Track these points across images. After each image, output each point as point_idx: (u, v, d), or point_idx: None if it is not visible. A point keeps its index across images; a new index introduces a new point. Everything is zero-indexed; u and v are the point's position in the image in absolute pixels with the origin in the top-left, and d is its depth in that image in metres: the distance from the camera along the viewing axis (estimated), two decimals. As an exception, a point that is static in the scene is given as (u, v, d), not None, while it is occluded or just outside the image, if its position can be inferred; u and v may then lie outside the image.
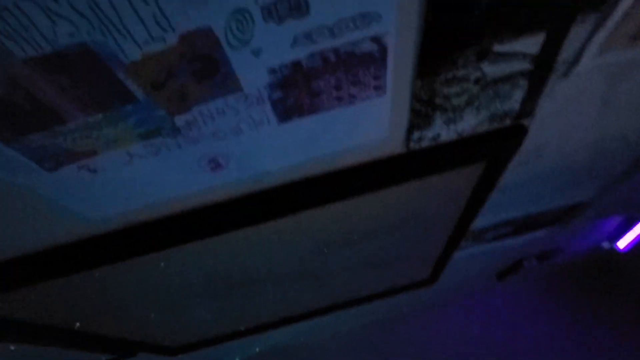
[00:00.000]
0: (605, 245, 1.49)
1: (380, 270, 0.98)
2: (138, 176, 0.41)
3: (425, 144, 0.49)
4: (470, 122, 0.48)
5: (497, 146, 0.52)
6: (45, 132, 0.32)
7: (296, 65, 0.32)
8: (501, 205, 0.79)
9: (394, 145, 0.48)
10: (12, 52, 0.25)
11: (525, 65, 0.40)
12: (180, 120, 0.35)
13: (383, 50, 0.33)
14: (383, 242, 0.79)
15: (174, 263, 0.61)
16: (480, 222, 0.86)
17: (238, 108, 0.35)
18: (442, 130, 0.48)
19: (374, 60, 0.34)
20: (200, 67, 0.30)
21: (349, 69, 0.34)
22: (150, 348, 0.98)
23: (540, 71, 0.42)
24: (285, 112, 0.38)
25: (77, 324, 0.77)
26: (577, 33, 0.37)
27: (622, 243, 1.38)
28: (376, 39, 0.32)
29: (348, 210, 0.61)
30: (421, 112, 0.43)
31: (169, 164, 0.41)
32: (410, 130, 0.46)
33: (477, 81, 0.41)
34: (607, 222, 1.34)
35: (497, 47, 0.37)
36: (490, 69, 0.40)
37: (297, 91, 0.35)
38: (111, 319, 0.79)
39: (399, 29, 0.32)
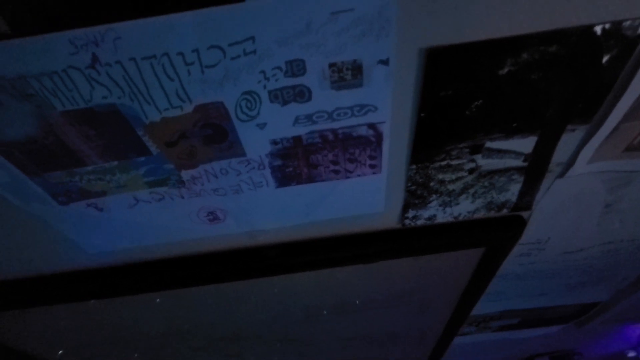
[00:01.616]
0: (631, 354, 1.34)
1: (373, 348, 0.92)
2: (140, 219, 0.43)
3: (420, 222, 0.50)
4: (466, 208, 0.48)
5: (494, 235, 0.52)
6: (65, 171, 0.35)
7: (297, 139, 0.35)
8: (505, 293, 0.75)
9: (389, 220, 0.49)
10: (54, 106, 0.29)
11: (519, 163, 0.42)
12: (186, 174, 0.38)
13: (378, 135, 0.36)
14: (376, 317, 0.75)
15: (162, 305, 0.61)
16: (482, 308, 0.81)
17: (240, 170, 0.38)
18: (438, 212, 0.48)
19: (369, 142, 0.37)
20: (211, 133, 0.34)
21: (346, 148, 0.37)
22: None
23: (535, 169, 0.43)
24: (284, 178, 0.40)
25: (60, 352, 0.75)
26: (568, 140, 0.39)
27: (650, 355, 1.24)
28: (372, 126, 0.35)
29: (341, 278, 0.61)
30: (416, 193, 0.45)
31: (171, 211, 0.43)
32: (405, 209, 0.47)
33: (471, 171, 0.43)
34: (632, 329, 1.22)
35: (490, 144, 0.39)
36: (484, 162, 0.41)
37: (296, 161, 0.38)
38: (92, 354, 0.76)
39: (394, 120, 0.35)
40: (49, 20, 0.25)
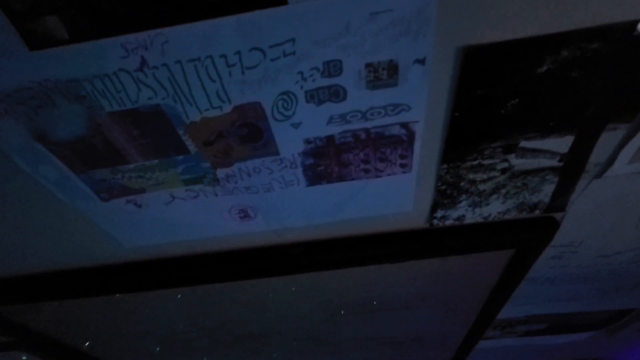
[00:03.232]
0: (666, 365, 1.27)
1: (397, 350, 0.91)
2: (175, 216, 0.45)
3: (449, 223, 0.49)
4: (497, 209, 0.47)
5: (525, 236, 0.51)
6: (109, 169, 0.37)
7: (329, 138, 0.36)
8: (533, 297, 0.73)
9: (417, 220, 0.49)
10: (103, 107, 0.31)
11: (554, 163, 0.41)
12: (221, 172, 0.39)
13: (410, 134, 0.36)
14: (400, 318, 0.75)
15: (188, 301, 0.63)
16: (509, 312, 0.79)
17: (272, 169, 0.39)
18: (467, 213, 0.48)
19: (401, 142, 0.37)
20: (247, 133, 0.35)
21: (377, 147, 0.37)
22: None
23: (571, 170, 0.42)
24: (315, 177, 0.41)
25: (87, 343, 0.79)
26: (607, 139, 0.38)
27: (687, 367, 1.18)
28: (405, 125, 0.35)
29: (366, 278, 0.61)
30: (446, 193, 0.45)
31: (204, 209, 0.44)
32: (434, 208, 0.47)
33: (503, 171, 0.42)
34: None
35: (525, 144, 0.38)
36: (518, 162, 0.41)
37: (328, 160, 0.39)
38: (120, 346, 0.79)
39: (427, 119, 0.35)
40: (104, 26, 0.26)
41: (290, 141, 0.36)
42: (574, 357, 1.20)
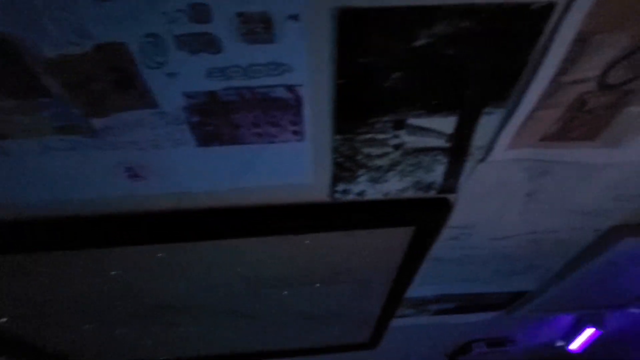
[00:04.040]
0: (559, 343, 1.45)
1: (318, 324, 0.94)
2: (52, 168, 0.41)
3: (351, 197, 0.50)
4: (395, 186, 0.49)
5: (422, 215, 0.53)
6: (-44, 105, 0.33)
7: (212, 95, 0.34)
8: (440, 277, 0.78)
9: (320, 193, 0.49)
10: None
11: (442, 143, 0.43)
12: (98, 122, 0.36)
13: (297, 99, 0.36)
14: (318, 293, 0.76)
15: (86, 266, 0.59)
16: (419, 291, 0.85)
17: (155, 123, 0.37)
18: (367, 188, 0.49)
19: (289, 106, 0.36)
20: (117, 78, 0.32)
21: (266, 110, 0.37)
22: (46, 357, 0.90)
23: (457, 151, 0.44)
24: (205, 137, 0.39)
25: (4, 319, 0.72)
26: (486, 122, 0.40)
27: (574, 345, 1.35)
28: (290, 89, 0.34)
29: (280, 251, 0.61)
30: (344, 166, 0.45)
31: (88, 163, 0.41)
32: (335, 182, 0.47)
33: (396, 147, 0.43)
34: (561, 320, 1.32)
35: (412, 121, 0.40)
36: (409, 139, 0.42)
37: (216, 120, 0.37)
38: (17, 312, 0.73)
39: (312, 84, 0.34)
40: None
41: (168, 93, 0.34)
42: (483, 335, 1.32)
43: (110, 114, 0.35)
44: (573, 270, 0.76)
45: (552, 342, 1.44)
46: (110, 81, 0.32)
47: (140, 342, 0.89)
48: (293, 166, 0.45)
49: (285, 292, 0.74)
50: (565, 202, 0.54)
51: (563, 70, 0.35)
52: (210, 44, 0.30)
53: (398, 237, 0.59)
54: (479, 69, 0.34)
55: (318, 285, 0.72)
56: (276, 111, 0.37)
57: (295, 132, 0.40)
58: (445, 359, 1.58)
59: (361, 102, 0.37)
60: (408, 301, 0.91)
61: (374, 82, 0.35)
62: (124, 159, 0.41)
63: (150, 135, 0.38)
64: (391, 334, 1.08)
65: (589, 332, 1.22)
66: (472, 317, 1.06)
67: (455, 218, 0.57)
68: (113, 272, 0.63)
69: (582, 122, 0.41)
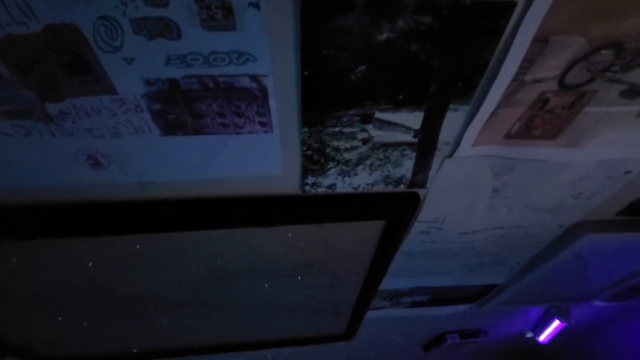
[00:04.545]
0: (529, 335, 1.50)
1: (291, 318, 0.94)
2: (7, 155, 0.39)
3: (321, 190, 0.50)
4: (365, 180, 0.50)
5: (392, 209, 0.54)
6: None
7: (173, 83, 0.34)
8: (413, 270, 0.80)
9: (289, 185, 0.49)
10: None
11: (409, 138, 0.43)
12: (52, 108, 0.35)
13: (263, 89, 0.35)
14: (289, 286, 0.77)
15: (48, 257, 0.57)
16: (393, 283, 0.86)
17: (114, 110, 0.35)
18: (337, 181, 0.49)
19: (255, 97, 0.36)
20: (70, 61, 0.31)
21: (230, 100, 0.36)
22: (20, 353, 0.88)
23: (425, 146, 0.45)
24: (168, 126, 0.38)
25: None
26: (452, 119, 0.41)
27: (543, 336, 1.41)
28: (254, 78, 0.34)
29: (246, 242, 0.61)
30: (313, 159, 0.45)
31: (45, 150, 0.40)
32: (304, 174, 0.47)
33: (365, 141, 0.43)
34: (530, 313, 1.37)
35: (379, 115, 0.40)
36: (377, 133, 0.42)
37: (178, 108, 0.36)
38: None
39: (277, 74, 0.34)
40: None
41: (127, 79, 0.33)
42: (456, 327, 1.36)
43: (66, 99, 0.34)
44: (539, 265, 0.79)
45: (522, 333, 1.50)
46: (63, 64, 0.31)
47: (111, 334, 0.87)
48: (261, 158, 0.44)
49: (257, 285, 0.74)
50: (529, 199, 0.56)
51: (524, 69, 0.35)
52: (168, 29, 0.29)
53: (369, 231, 0.60)
54: (442, 66, 0.35)
55: (290, 277, 0.72)
56: (241, 101, 0.36)
57: (262, 124, 0.39)
58: (421, 350, 1.62)
59: (327, 95, 0.37)
60: (382, 293, 0.92)
61: (339, 74, 0.35)
62: (84, 147, 0.39)
63: (110, 122, 0.37)
64: (367, 325, 1.10)
65: (555, 323, 1.28)
66: (446, 310, 1.09)
67: (425, 213, 0.58)
68: (79, 263, 0.61)
69: (543, 121, 0.42)
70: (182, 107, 0.36)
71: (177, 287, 0.71)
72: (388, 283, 0.85)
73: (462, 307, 1.10)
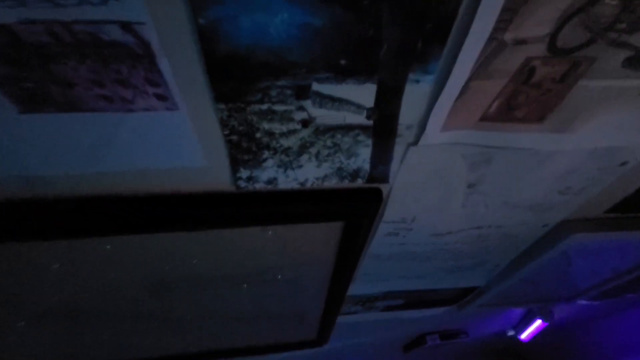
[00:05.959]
0: (510, 332, 1.46)
1: (251, 327, 0.85)
2: None
3: (260, 186, 0.41)
4: (313, 173, 0.40)
5: (350, 208, 0.45)
6: None
7: (10, 33, 0.23)
8: (383, 274, 0.72)
9: (220, 180, 0.40)
10: None
11: (362, 120, 0.34)
12: None
13: (144, 45, 0.25)
14: (243, 294, 0.67)
15: None
16: (364, 288, 0.78)
17: None
18: (278, 175, 0.40)
19: (137, 56, 0.26)
20: None
21: (105, 61, 0.26)
22: None
23: (382, 131, 0.36)
24: (26, 99, 0.28)
25: None
26: (413, 93, 0.32)
27: (524, 334, 1.36)
28: (128, 28, 0.24)
29: (185, 247, 0.51)
30: (242, 146, 0.35)
31: None
32: (235, 166, 0.38)
33: (305, 123, 0.34)
34: (512, 312, 1.32)
35: (318, 87, 0.30)
36: (318, 112, 0.33)
37: (33, 73, 0.26)
38: None
39: (162, 22, 0.24)
40: None
41: None
42: (436, 328, 1.30)
43: None
44: (522, 266, 0.72)
45: (503, 331, 1.46)
46: None
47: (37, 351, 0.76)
48: (174, 145, 0.34)
49: (205, 294, 0.65)
50: (510, 195, 0.48)
51: (504, 23, 0.26)
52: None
53: (326, 233, 0.51)
54: (393, 17, 0.25)
55: (240, 285, 0.63)
56: (119, 63, 0.26)
57: (160, 97, 0.29)
58: (401, 351, 1.56)
59: (241, 56, 0.27)
60: (353, 298, 0.84)
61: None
62: None
63: None
64: (342, 329, 1.02)
65: (537, 323, 1.23)
66: (423, 313, 1.02)
67: (391, 212, 0.49)
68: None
69: (528, 99, 0.34)
70: (37, 70, 0.26)
71: (109, 300, 0.61)
72: (358, 288, 0.77)
73: (439, 310, 1.03)
